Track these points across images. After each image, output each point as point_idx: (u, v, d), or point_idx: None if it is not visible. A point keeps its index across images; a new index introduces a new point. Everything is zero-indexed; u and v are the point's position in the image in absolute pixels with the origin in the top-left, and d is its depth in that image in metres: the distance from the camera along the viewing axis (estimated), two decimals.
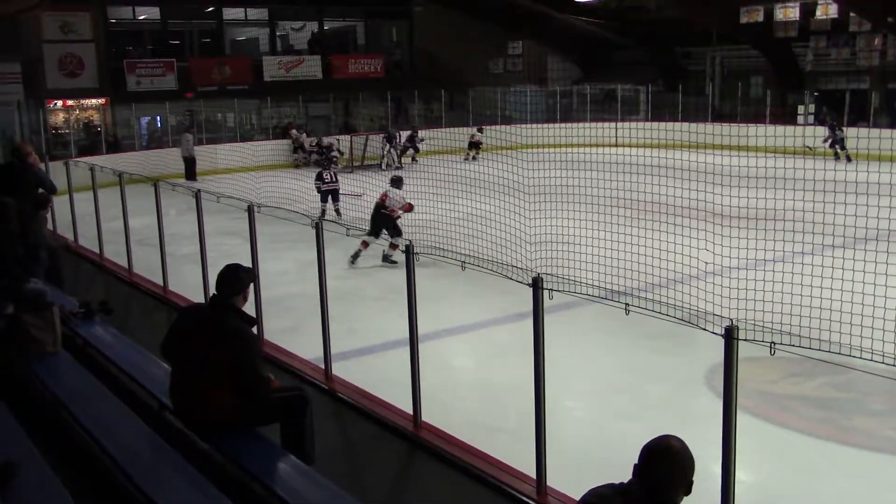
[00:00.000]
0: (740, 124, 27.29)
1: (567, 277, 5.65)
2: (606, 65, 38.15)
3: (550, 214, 9.25)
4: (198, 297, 8.99)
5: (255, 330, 5.26)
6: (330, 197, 17.24)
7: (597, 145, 14.34)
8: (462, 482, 5.60)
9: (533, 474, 5.30)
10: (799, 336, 4.25)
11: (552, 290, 5.06)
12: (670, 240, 8.15)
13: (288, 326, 9.49)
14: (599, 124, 28.40)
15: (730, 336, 3.90)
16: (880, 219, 7.88)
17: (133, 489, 4.22)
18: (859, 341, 5.02)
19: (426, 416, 6.41)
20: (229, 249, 11.17)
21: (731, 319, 4.06)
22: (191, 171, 26.08)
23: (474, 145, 28.61)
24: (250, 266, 6.31)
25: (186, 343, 4.96)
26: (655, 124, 24.64)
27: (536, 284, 5.02)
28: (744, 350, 4.20)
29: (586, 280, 6.28)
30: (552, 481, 5.32)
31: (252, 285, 5.33)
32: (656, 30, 35.19)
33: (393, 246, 13.10)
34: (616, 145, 21.32)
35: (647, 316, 4.95)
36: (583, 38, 38.19)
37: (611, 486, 2.92)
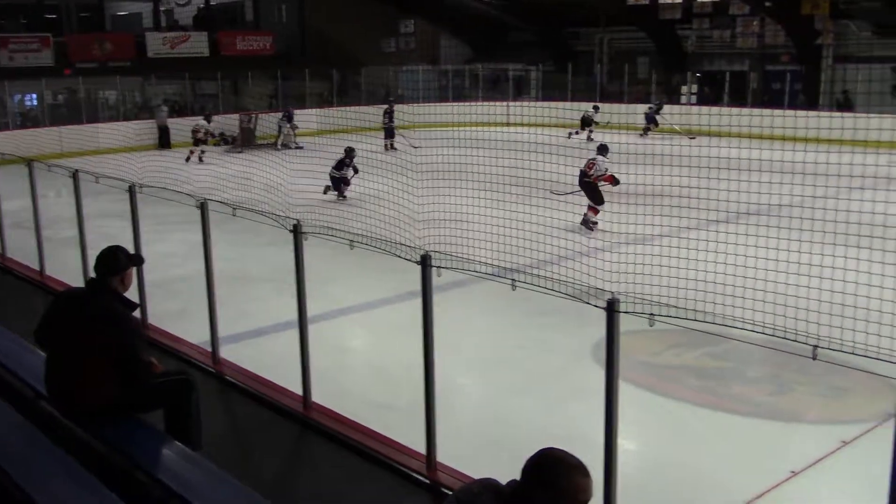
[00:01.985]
0: (627, 104, 28.00)
1: (456, 255, 5.67)
2: (498, 45, 38.44)
3: (442, 193, 9.27)
4: (77, 282, 8.65)
5: (137, 314, 5.08)
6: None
7: (489, 124, 14.46)
8: (353, 462, 5.58)
9: (424, 451, 5.33)
10: (678, 308, 4.39)
11: (440, 267, 5.07)
12: (559, 217, 8.30)
13: (175, 310, 9.24)
14: (491, 104, 28.61)
15: (611, 309, 3.99)
16: (760, 193, 8.18)
17: (7, 483, 4.03)
18: (738, 312, 5.20)
19: (318, 398, 6.36)
20: (112, 232, 10.77)
21: (613, 293, 4.15)
22: (165, 140, 26.80)
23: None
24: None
25: (62, 328, 4.75)
26: (546, 104, 24.99)
27: (425, 262, 5.02)
28: (629, 324, 4.31)
29: (476, 257, 6.32)
30: (444, 457, 5.36)
31: (134, 269, 5.14)
32: (547, 11, 35.64)
33: (593, 210, 13.44)
34: (507, 124, 21.56)
35: (536, 292, 5.03)
36: (475, 19, 38.35)
37: (485, 485, 2.74)
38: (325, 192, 16.43)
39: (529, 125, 16.49)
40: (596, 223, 13.39)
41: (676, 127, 25.01)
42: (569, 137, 24.79)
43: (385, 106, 26.63)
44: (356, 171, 16.45)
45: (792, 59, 32.56)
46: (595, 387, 4.52)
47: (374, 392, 7.36)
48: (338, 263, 9.40)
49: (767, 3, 31.60)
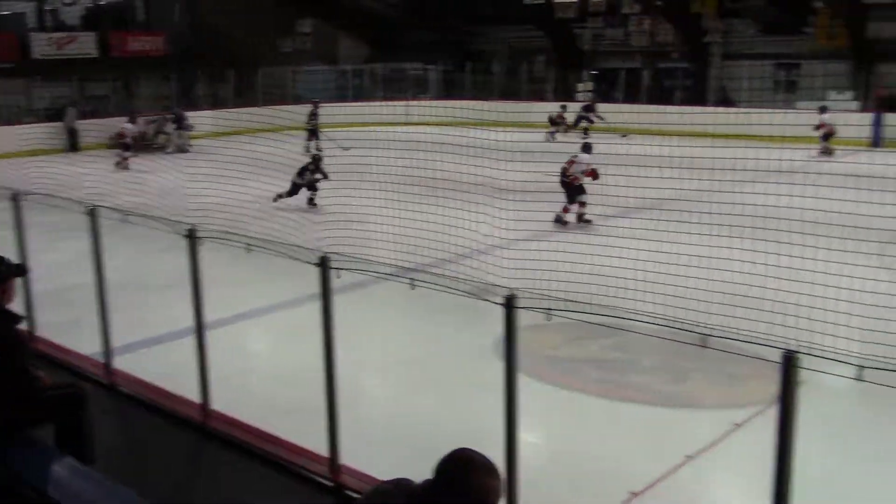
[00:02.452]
0: (524, 102, 28.38)
1: (356, 256, 5.64)
2: (397, 44, 38.45)
3: (342, 193, 9.22)
4: None
5: (23, 326, 4.88)
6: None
7: (388, 124, 14.43)
8: (255, 469, 5.49)
9: (327, 454, 5.28)
10: (575, 302, 4.47)
11: (339, 268, 5.03)
12: (459, 215, 8.33)
13: (67, 320, 8.90)
14: (390, 103, 28.58)
15: (509, 305, 4.03)
16: (654, 188, 8.40)
17: None
18: (635, 304, 5.33)
19: (219, 405, 6.22)
20: None
21: (511, 289, 4.20)
22: (74, 143, 26.10)
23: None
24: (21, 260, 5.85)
25: None
26: (444, 102, 25.10)
27: (323, 264, 4.97)
28: (530, 319, 4.37)
29: (376, 258, 6.30)
30: (349, 459, 5.32)
31: (17, 279, 4.93)
32: (445, 10, 35.83)
33: (581, 203, 13.68)
34: (406, 123, 21.55)
35: (438, 291, 5.05)
36: (373, 18, 38.26)
37: (398, 484, 2.73)
38: (275, 200, 14.99)
39: (428, 123, 16.52)
40: (567, 222, 13.57)
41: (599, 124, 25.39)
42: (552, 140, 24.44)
43: (310, 106, 25.36)
44: (325, 176, 15.59)
45: (682, 56, 33.62)
46: (497, 382, 4.57)
47: (278, 397, 7.25)
48: (237, 268, 9.24)
49: (657, 2, 32.53)
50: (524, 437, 4.53)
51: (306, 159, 16.28)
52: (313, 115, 24.57)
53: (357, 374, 7.35)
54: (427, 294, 5.33)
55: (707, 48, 32.76)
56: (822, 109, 22.76)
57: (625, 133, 20.86)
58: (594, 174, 13.62)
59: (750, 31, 32.19)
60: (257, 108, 28.34)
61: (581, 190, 13.94)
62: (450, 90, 32.97)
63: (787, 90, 29.40)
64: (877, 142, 23.84)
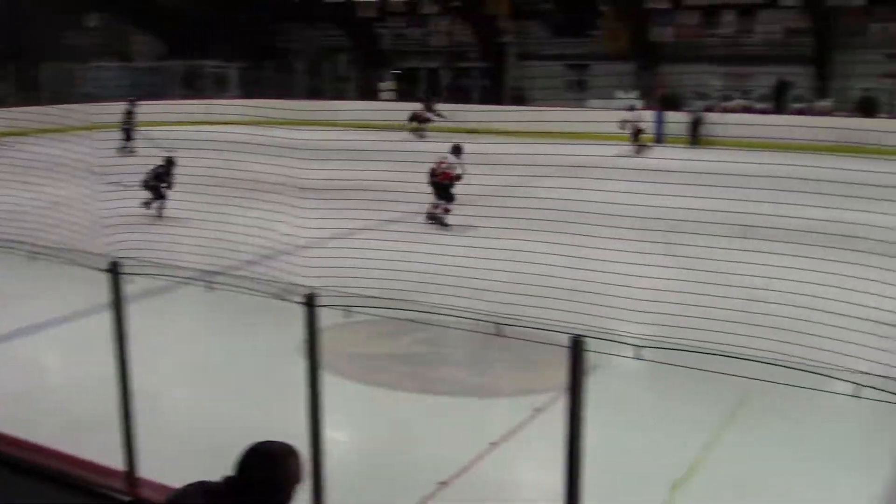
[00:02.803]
0: (328, 101, 28.22)
1: (151, 260, 5.43)
2: (195, 41, 37.17)
3: (136, 196, 8.82)
4: None
5: None
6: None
7: (187, 123, 13.95)
8: (44, 490, 5.16)
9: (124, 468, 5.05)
10: (376, 298, 4.52)
11: (131, 273, 4.81)
12: (264, 216, 8.19)
13: None
14: (190, 102, 27.60)
15: (309, 304, 4.01)
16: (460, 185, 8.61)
17: None
18: (438, 299, 5.44)
19: (7, 426, 5.79)
20: None
21: (312, 288, 4.18)
22: None
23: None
24: None
25: None
26: (246, 101, 24.55)
27: (114, 270, 4.74)
28: (336, 317, 4.37)
29: (173, 262, 6.09)
30: (149, 472, 5.10)
31: None
32: (244, 7, 35.02)
33: (444, 209, 13.43)
34: (207, 122, 20.89)
35: (240, 293, 4.94)
36: (168, 13, 36.80)
37: (198, 486, 2.71)
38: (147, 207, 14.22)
39: (230, 122, 16.12)
40: (448, 222, 13.35)
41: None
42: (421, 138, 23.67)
43: (126, 105, 23.64)
44: (168, 185, 14.32)
45: (479, 56, 34.64)
46: (302, 383, 4.53)
47: (73, 412, 6.84)
48: (23, 279, 8.65)
49: (455, 3, 33.31)
50: (332, 435, 4.52)
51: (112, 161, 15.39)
52: (129, 114, 23.15)
53: (156, 383, 7.04)
54: (230, 298, 5.22)
55: (503, 49, 33.95)
56: (631, 108, 24.04)
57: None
58: (451, 176, 13.60)
59: (542, 34, 33.64)
60: (41, 107, 26.53)
61: (447, 191, 13.78)
62: (251, 89, 32.26)
63: (578, 89, 30.93)
64: (660, 138, 25.52)
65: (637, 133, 23.51)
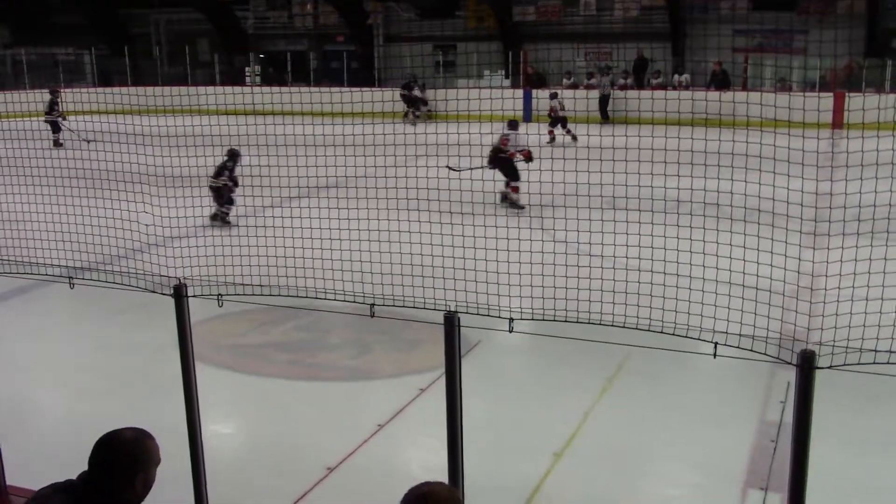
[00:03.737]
0: (191, 87, 27.38)
1: (9, 258, 5.15)
2: (44, 28, 35.33)
3: None
4: None
5: None
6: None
7: (37, 114, 13.26)
8: None
9: None
10: (251, 286, 4.43)
11: None
12: (127, 208, 7.88)
13: None
14: (40, 91, 26.21)
15: (178, 294, 3.91)
16: (336, 167, 8.46)
17: None
18: (312, 283, 5.37)
19: None
20: None
21: (179, 279, 4.07)
22: None
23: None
24: None
25: None
26: (102, 90, 23.49)
27: None
28: (213, 310, 4.25)
29: (33, 259, 5.78)
30: (20, 480, 4.88)
31: None
32: None
33: (513, 188, 13.31)
34: (69, 113, 19.95)
35: (109, 289, 4.75)
36: None
37: (55, 486, 2.68)
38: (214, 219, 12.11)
39: (86, 112, 15.43)
40: (521, 203, 13.02)
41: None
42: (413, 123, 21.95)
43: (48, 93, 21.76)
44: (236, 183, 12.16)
45: (347, 39, 34.35)
46: (180, 378, 4.41)
47: None
48: None
49: None
50: (215, 428, 4.45)
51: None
52: (55, 104, 21.25)
53: (24, 386, 6.75)
54: (100, 295, 4.99)
55: (370, 31, 33.77)
56: (552, 95, 22.59)
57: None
58: (529, 155, 13.00)
59: (408, 14, 33.64)
60: None
61: (515, 169, 13.39)
62: (108, 77, 30.95)
63: (446, 70, 31.10)
64: (528, 117, 25.94)
65: (561, 121, 21.96)
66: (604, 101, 24.73)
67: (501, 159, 13.55)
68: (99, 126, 7.87)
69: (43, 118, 20.33)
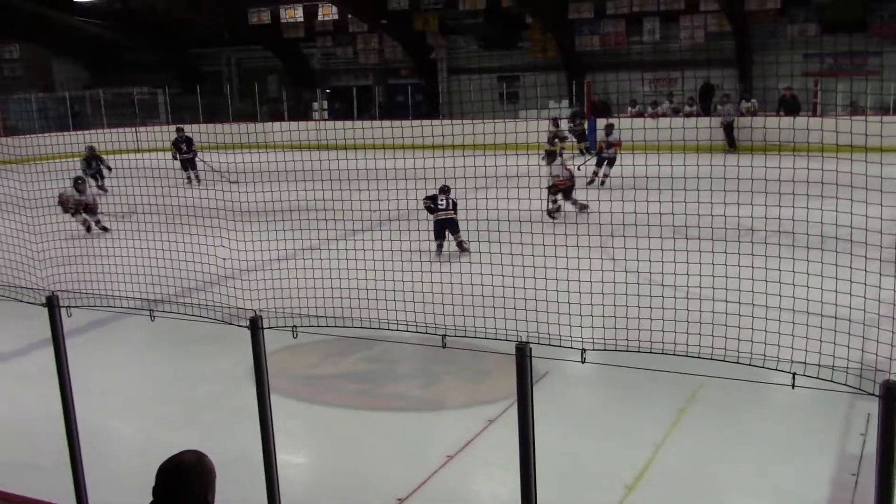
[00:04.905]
0: (260, 123, 28.00)
1: (89, 292, 5.33)
2: (118, 68, 36.60)
3: (67, 228, 8.64)
4: None
5: None
6: None
7: (119, 151, 13.70)
8: None
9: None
10: (324, 317, 4.50)
11: (69, 306, 4.72)
12: (203, 242, 8.09)
13: None
14: (117, 130, 27.12)
15: (255, 327, 3.99)
16: (395, 200, 8.57)
17: None
18: (381, 314, 5.43)
19: None
20: None
21: (255, 311, 4.16)
22: None
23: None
24: None
25: None
26: (174, 127, 24.17)
27: (51, 303, 4.64)
28: (284, 340, 4.33)
29: (113, 293, 5.97)
30: None
31: None
32: (168, 31, 34.65)
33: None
34: (139, 150, 20.57)
35: (184, 321, 4.88)
36: (89, 41, 36.20)
37: None
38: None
39: (161, 150, 15.96)
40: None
41: None
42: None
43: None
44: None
45: (411, 72, 34.77)
46: (254, 408, 4.50)
47: (16, 454, 6.67)
48: None
49: (383, 21, 33.41)
50: (287, 458, 4.51)
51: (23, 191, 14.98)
52: (185, 142, 21.81)
53: (107, 416, 6.94)
54: (175, 327, 5.11)
55: (434, 64, 34.15)
56: (555, 123, 23.09)
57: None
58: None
59: (472, 47, 33.93)
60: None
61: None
62: (180, 114, 31.85)
63: (510, 101, 31.21)
64: (593, 146, 25.81)
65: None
66: (728, 128, 24.78)
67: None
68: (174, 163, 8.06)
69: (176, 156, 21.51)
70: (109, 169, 18.91)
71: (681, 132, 4.79)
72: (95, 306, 4.98)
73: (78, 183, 15.05)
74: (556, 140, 22.26)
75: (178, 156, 21.51)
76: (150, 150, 17.06)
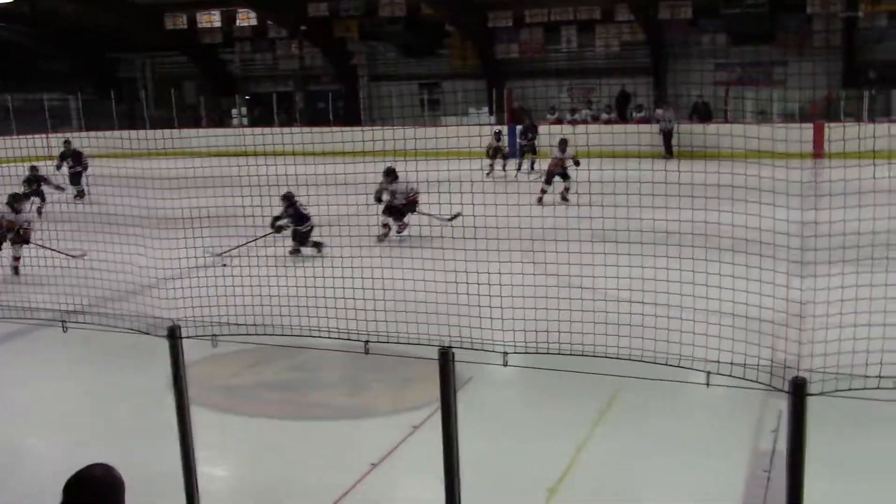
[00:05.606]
0: (178, 129, 27.51)
1: (2, 303, 5.16)
2: (28, 74, 35.42)
3: None
4: None
5: None
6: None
7: (27, 158, 13.29)
8: None
9: None
10: (245, 325, 4.45)
11: None
12: (119, 251, 7.90)
13: None
14: (27, 137, 26.18)
15: (173, 336, 3.92)
16: (318, 206, 8.52)
17: None
18: (308, 321, 5.39)
19: None
20: None
21: (172, 320, 4.09)
22: None
23: None
24: None
25: None
26: (90, 133, 23.54)
27: None
28: (204, 351, 4.26)
29: (30, 303, 5.79)
30: None
31: None
32: (81, 37, 33.73)
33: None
34: (50, 158, 19.93)
35: (99, 331, 4.76)
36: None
37: None
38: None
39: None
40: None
41: None
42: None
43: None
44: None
45: (332, 79, 34.61)
46: (174, 420, 4.41)
47: None
48: None
49: (302, 27, 33.20)
50: (209, 470, 4.44)
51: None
52: (72, 156, 19.69)
53: (21, 433, 6.71)
54: (90, 338, 4.96)
55: (354, 70, 34.07)
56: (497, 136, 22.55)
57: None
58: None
59: (391, 54, 33.97)
60: None
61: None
62: (95, 121, 30.98)
63: (431, 108, 31.35)
64: (513, 153, 26.03)
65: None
66: (667, 135, 24.37)
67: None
68: (91, 170, 7.88)
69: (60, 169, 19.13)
70: (61, 189, 16.99)
71: (610, 138, 4.89)
72: (5, 318, 4.81)
73: (15, 200, 12.55)
74: (496, 154, 22.11)
75: (62, 169, 19.38)
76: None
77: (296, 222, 12.49)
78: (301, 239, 12.56)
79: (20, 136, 26.20)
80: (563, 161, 16.57)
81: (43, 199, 17.26)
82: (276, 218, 12.26)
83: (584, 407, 7.00)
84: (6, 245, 12.05)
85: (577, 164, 15.38)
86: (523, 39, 31.98)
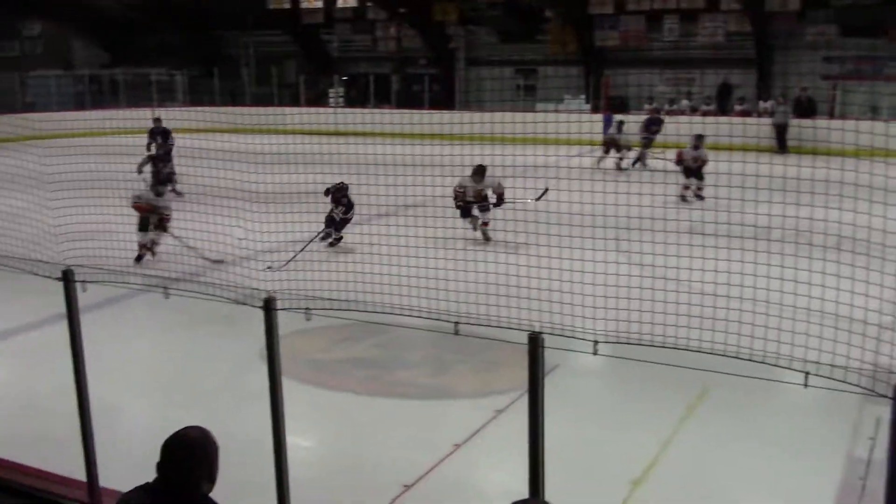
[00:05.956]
0: (277, 107, 28.04)
1: (104, 268, 5.36)
2: (138, 49, 36.66)
3: (83, 205, 8.65)
4: None
5: None
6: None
7: (131, 131, 13.78)
8: (5, 501, 5.07)
9: (85, 479, 4.99)
10: (337, 300, 4.52)
11: (85, 281, 4.75)
12: (219, 222, 8.12)
13: None
14: (134, 111, 27.15)
15: (268, 308, 4.00)
16: (414, 186, 8.57)
17: None
18: (395, 300, 5.44)
19: None
20: None
21: (269, 291, 4.17)
22: None
23: None
24: None
25: None
26: (194, 109, 24.20)
27: (67, 278, 4.67)
28: (295, 324, 4.35)
29: (127, 269, 6.01)
30: (109, 482, 5.04)
31: None
32: (188, 13, 34.67)
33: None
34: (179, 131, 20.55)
35: (199, 300, 4.90)
36: (110, 20, 36.26)
37: (139, 487, 2.91)
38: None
39: (178, 130, 15.95)
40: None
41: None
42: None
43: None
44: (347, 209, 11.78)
45: (429, 62, 34.73)
46: (263, 390, 4.52)
47: (26, 426, 6.73)
48: None
49: (402, 10, 33.38)
50: (295, 441, 4.51)
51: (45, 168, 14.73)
52: (161, 134, 18.59)
53: (116, 393, 6.98)
54: (188, 305, 5.11)
55: (452, 54, 34.09)
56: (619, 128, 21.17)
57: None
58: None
59: (490, 39, 33.87)
60: None
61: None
62: (198, 96, 31.86)
63: (526, 94, 31.15)
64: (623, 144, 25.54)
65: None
66: (781, 129, 23.24)
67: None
68: (191, 143, 8.13)
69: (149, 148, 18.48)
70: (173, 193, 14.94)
71: (719, 129, 4.76)
72: (111, 282, 5.00)
73: (157, 184, 12.09)
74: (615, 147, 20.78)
75: (151, 148, 18.51)
76: (184, 131, 17.05)
77: (346, 212, 11.93)
78: (339, 228, 11.82)
79: (128, 109, 27.16)
80: (699, 158, 15.05)
81: (170, 159, 16.40)
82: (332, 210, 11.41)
83: (673, 401, 6.88)
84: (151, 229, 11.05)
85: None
86: (624, 28, 31.42)
